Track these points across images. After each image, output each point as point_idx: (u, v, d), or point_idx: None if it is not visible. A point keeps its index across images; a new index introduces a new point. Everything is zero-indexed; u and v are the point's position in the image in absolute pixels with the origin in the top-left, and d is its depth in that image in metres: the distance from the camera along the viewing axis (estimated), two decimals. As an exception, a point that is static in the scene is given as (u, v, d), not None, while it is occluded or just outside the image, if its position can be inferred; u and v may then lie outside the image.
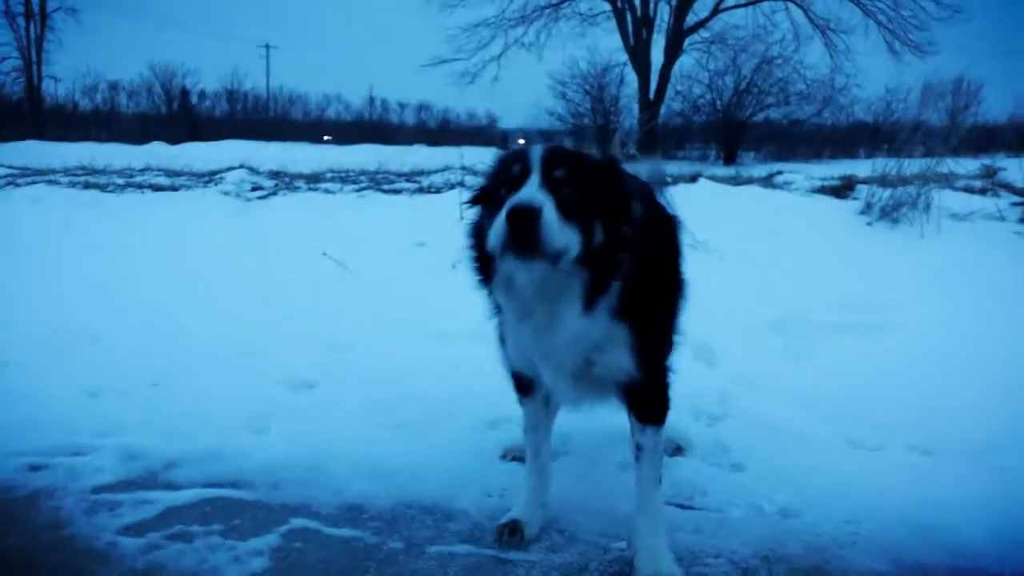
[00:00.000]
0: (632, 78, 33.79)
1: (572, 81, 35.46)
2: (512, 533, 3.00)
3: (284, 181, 9.26)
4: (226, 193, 8.39)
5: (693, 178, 8.77)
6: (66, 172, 10.01)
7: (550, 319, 2.59)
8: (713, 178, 9.01)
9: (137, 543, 2.99)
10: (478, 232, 2.73)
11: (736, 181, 8.92)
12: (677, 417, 3.94)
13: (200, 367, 4.74)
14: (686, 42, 33.09)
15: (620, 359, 2.73)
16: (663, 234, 3.08)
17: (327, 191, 8.68)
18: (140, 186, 8.98)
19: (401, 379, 4.53)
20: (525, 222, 2.31)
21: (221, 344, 5.03)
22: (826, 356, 4.80)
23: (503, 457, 3.73)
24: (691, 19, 32.84)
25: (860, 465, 3.64)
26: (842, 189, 7.94)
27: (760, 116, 34.18)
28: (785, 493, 3.32)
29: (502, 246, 2.38)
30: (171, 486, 3.46)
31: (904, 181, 7.00)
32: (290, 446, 3.80)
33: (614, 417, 3.10)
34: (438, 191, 8.57)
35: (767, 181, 8.83)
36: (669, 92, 33.81)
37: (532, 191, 2.41)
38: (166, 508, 3.27)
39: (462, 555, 2.95)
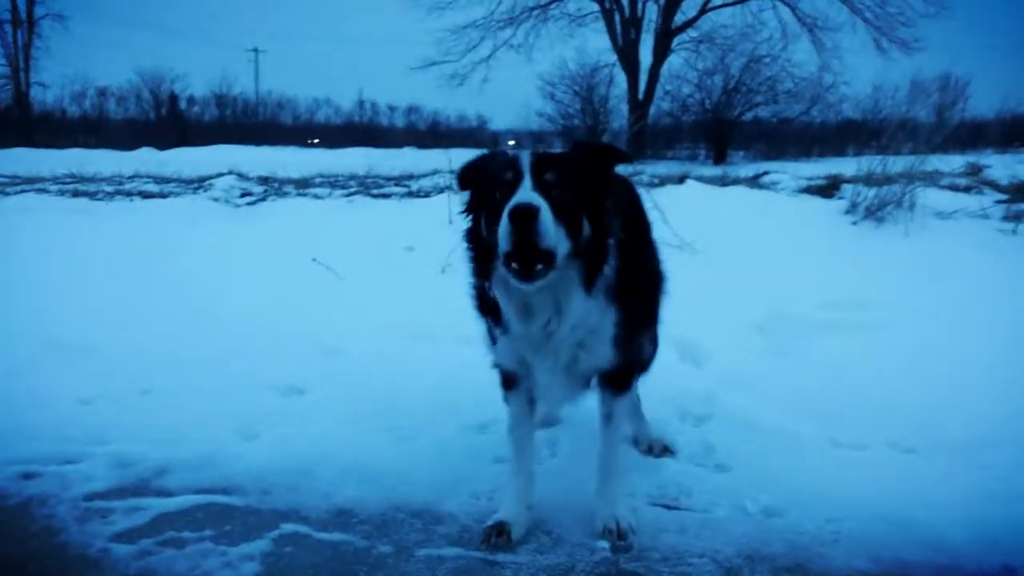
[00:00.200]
0: (621, 78, 33.98)
1: (561, 82, 35.52)
2: (499, 535, 3.04)
3: (273, 187, 9.25)
4: (215, 200, 8.38)
5: (680, 179, 8.81)
6: (55, 180, 9.96)
7: (555, 309, 2.78)
8: (701, 178, 9.05)
9: (129, 550, 3.03)
10: (474, 236, 2.90)
11: (724, 181, 8.95)
12: (664, 418, 4.02)
13: (191, 374, 4.76)
14: (674, 42, 33.28)
15: (605, 344, 2.97)
16: (632, 208, 3.37)
17: (316, 196, 8.67)
18: (129, 194, 8.92)
19: (390, 383, 4.56)
20: (527, 220, 2.50)
21: (211, 350, 5.05)
22: (811, 355, 4.84)
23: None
24: (679, 19, 33.07)
25: (843, 464, 3.69)
26: (828, 189, 8.00)
27: (749, 115, 34.34)
28: (769, 493, 3.36)
29: (510, 245, 2.54)
30: (163, 493, 3.50)
31: (889, 180, 7.07)
32: (280, 451, 3.83)
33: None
34: (427, 195, 8.60)
35: (754, 181, 8.87)
36: (658, 92, 34.04)
37: (529, 193, 2.59)
38: (158, 515, 3.30)
39: (450, 558, 2.99)
